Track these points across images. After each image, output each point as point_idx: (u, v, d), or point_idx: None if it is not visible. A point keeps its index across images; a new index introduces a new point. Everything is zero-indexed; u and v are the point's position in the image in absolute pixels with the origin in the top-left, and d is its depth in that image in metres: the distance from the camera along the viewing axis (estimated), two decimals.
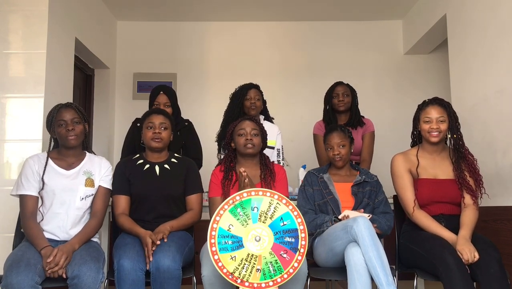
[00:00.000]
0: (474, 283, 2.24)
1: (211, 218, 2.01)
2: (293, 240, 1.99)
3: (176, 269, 2.23)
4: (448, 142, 2.65)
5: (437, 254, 2.25)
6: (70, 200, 2.39)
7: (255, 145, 2.62)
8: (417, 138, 2.70)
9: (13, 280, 2.02)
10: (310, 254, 2.59)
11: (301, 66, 5.01)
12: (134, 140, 3.09)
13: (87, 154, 2.55)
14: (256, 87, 3.33)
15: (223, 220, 2.00)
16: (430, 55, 4.99)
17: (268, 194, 2.03)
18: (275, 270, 1.96)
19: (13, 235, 2.50)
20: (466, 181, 2.52)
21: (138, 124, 2.89)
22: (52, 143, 2.51)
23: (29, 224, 2.31)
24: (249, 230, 2.00)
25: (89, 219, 2.45)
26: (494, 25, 3.19)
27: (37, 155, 2.48)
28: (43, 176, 2.37)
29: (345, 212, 2.52)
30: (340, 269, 2.37)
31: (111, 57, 4.81)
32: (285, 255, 1.98)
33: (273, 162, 2.81)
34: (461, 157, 2.57)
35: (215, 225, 1.99)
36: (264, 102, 3.40)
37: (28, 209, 2.34)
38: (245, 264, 1.96)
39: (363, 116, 3.55)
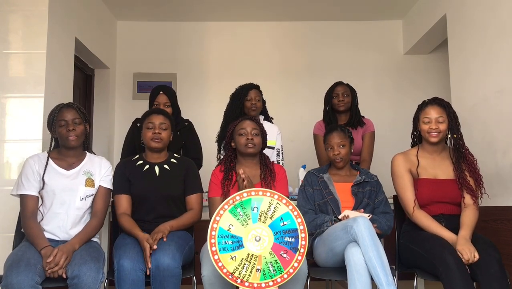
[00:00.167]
0: (474, 283, 2.24)
1: (211, 218, 2.01)
2: (293, 240, 1.99)
3: (175, 267, 2.24)
4: (448, 142, 2.65)
5: (437, 254, 2.25)
6: (70, 200, 2.39)
7: (256, 144, 2.62)
8: (417, 139, 2.70)
9: (13, 280, 2.02)
10: (310, 254, 2.59)
11: (301, 66, 5.01)
12: (134, 141, 3.09)
13: (87, 154, 2.55)
14: (257, 87, 3.32)
15: (223, 220, 2.00)
16: (430, 55, 4.99)
17: (268, 194, 2.03)
18: (275, 270, 1.96)
19: (13, 235, 2.50)
20: (466, 181, 2.52)
21: (138, 124, 2.89)
22: (53, 143, 2.51)
23: (29, 224, 2.31)
24: (249, 230, 2.00)
25: (89, 219, 2.45)
26: (494, 25, 3.19)
27: (37, 155, 2.48)
28: (43, 175, 2.37)
29: (345, 212, 2.52)
30: (340, 269, 2.37)
31: (111, 57, 4.81)
32: (285, 255, 1.98)
33: (273, 161, 2.81)
34: (461, 156, 2.57)
35: (215, 225, 1.99)
36: (264, 102, 3.40)
37: (28, 209, 2.34)
38: (245, 264, 1.96)
39: (363, 116, 3.55)
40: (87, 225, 2.41)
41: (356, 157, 3.45)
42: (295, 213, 2.02)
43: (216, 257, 1.95)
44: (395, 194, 2.69)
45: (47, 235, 2.32)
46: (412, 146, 2.74)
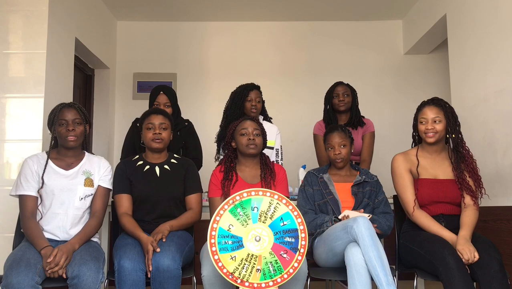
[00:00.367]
0: (474, 283, 2.24)
1: (211, 218, 2.01)
2: (293, 240, 1.99)
3: (175, 268, 2.23)
4: (450, 142, 2.65)
5: (437, 254, 2.25)
6: (69, 200, 2.38)
7: (257, 145, 2.62)
8: (417, 139, 2.70)
9: (13, 280, 2.02)
10: (310, 254, 2.59)
11: (301, 66, 5.01)
12: (134, 141, 3.09)
13: (86, 153, 2.55)
14: (258, 88, 3.31)
15: (223, 220, 2.00)
16: (430, 55, 4.99)
17: (268, 194, 2.03)
18: (275, 270, 1.96)
19: (13, 235, 2.50)
20: (466, 181, 2.52)
21: (138, 125, 2.89)
22: (53, 142, 2.50)
23: (29, 224, 2.31)
24: (249, 230, 2.00)
25: (88, 219, 2.45)
26: (494, 25, 3.19)
27: (36, 155, 2.48)
28: (42, 175, 2.37)
29: (345, 212, 2.52)
30: (340, 269, 2.37)
31: (111, 57, 4.81)
32: (285, 255, 1.98)
33: (273, 161, 2.81)
34: (460, 157, 2.57)
35: (215, 225, 1.99)
36: (263, 102, 3.39)
37: (28, 209, 2.34)
38: (245, 264, 1.96)
39: (363, 117, 3.55)
40: (86, 225, 2.40)
41: (356, 157, 3.44)
42: (295, 213, 2.02)
43: (216, 257, 1.95)
44: (395, 194, 2.69)
45: (47, 235, 2.32)
46: (413, 146, 2.74)
